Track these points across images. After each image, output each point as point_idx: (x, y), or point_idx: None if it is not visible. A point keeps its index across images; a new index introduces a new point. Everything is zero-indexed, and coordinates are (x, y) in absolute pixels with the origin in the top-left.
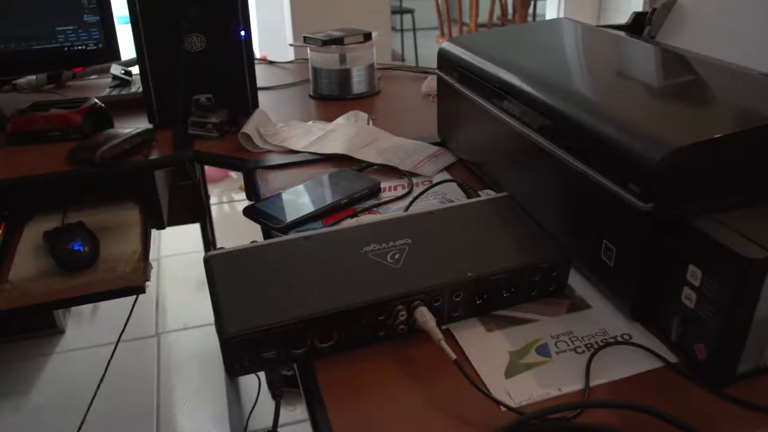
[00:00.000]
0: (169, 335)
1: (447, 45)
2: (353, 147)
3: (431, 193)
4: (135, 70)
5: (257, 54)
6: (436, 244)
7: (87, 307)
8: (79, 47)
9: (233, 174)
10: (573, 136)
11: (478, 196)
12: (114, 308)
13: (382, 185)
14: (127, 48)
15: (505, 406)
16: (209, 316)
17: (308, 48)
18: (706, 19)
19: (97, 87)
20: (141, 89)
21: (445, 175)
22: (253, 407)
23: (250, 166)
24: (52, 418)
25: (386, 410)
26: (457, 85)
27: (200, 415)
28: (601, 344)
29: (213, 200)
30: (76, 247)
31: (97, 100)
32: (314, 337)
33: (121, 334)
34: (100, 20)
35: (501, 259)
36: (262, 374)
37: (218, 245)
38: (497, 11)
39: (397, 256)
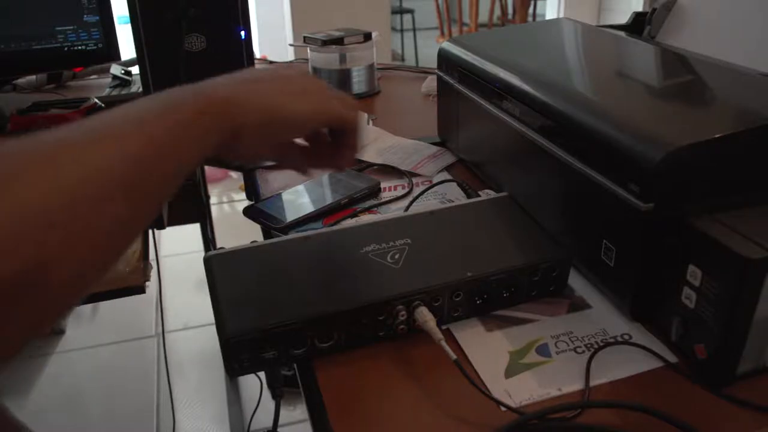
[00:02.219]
0: (169, 335)
1: (447, 45)
2: None
3: (431, 193)
4: (135, 70)
5: (257, 54)
6: (436, 244)
7: (87, 307)
8: (79, 47)
9: (233, 174)
10: (573, 136)
11: (478, 196)
12: (114, 308)
13: (382, 185)
14: (127, 48)
15: (505, 406)
16: (209, 316)
17: (308, 48)
18: (706, 19)
19: (97, 87)
20: (141, 89)
21: (445, 175)
22: (256, 408)
23: (250, 166)
24: (52, 418)
25: (386, 410)
26: (457, 85)
27: (200, 415)
28: (601, 344)
29: (213, 200)
30: None
31: (97, 100)
32: (314, 337)
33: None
34: (100, 20)
35: (501, 259)
36: (262, 374)
37: (218, 245)
38: (497, 11)
39: (397, 256)
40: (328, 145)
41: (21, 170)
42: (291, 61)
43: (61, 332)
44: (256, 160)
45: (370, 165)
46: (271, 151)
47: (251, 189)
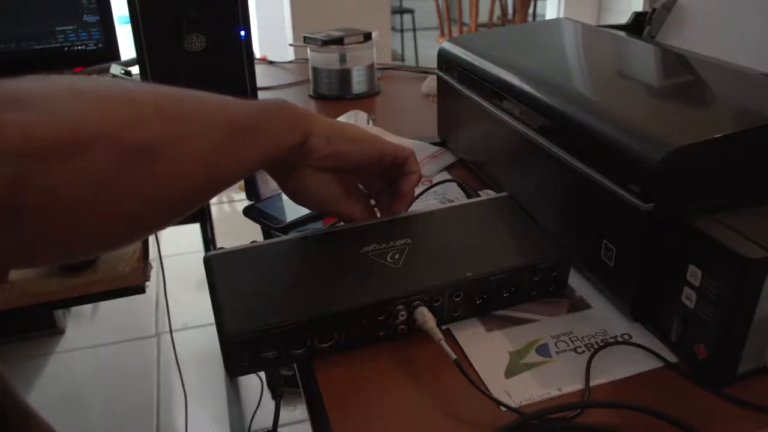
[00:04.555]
0: (169, 335)
1: (447, 45)
2: None
3: (431, 193)
4: (135, 70)
5: (257, 54)
6: (436, 244)
7: (87, 307)
8: (79, 47)
9: None
10: (573, 136)
11: (478, 196)
12: (114, 308)
13: None
14: (127, 48)
15: (505, 406)
16: (209, 316)
17: (308, 48)
18: (706, 19)
19: None
20: None
21: (445, 175)
22: (257, 408)
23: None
24: (52, 418)
25: (386, 410)
26: (457, 85)
27: (200, 415)
28: (601, 344)
29: (213, 200)
30: None
31: None
32: (314, 337)
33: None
34: (100, 20)
35: (501, 259)
36: (263, 374)
37: (218, 245)
38: (497, 11)
39: (397, 256)
40: (389, 187)
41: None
42: (291, 61)
43: (61, 332)
44: (322, 191)
45: None
46: (338, 182)
47: (251, 189)
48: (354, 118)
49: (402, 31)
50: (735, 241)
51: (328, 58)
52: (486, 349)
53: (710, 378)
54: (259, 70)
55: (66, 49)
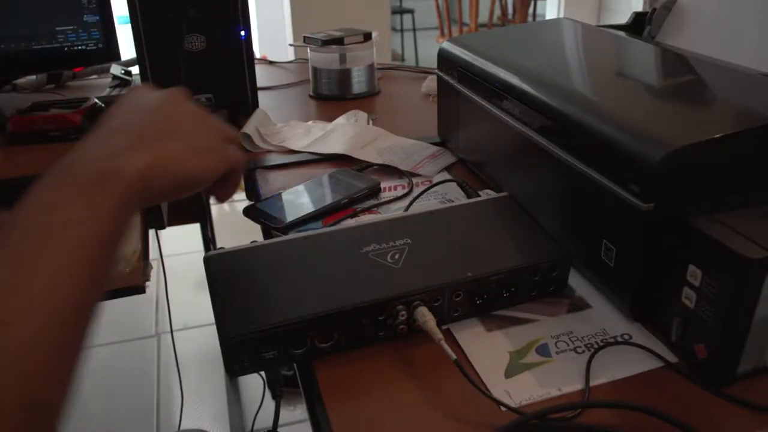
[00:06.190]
0: (169, 335)
1: (447, 45)
2: (353, 147)
3: (431, 193)
4: (135, 70)
5: (257, 54)
6: (436, 244)
7: None
8: (79, 47)
9: None
10: (573, 136)
11: (478, 196)
12: (114, 308)
13: (382, 185)
14: (127, 48)
15: (505, 406)
16: (209, 316)
17: (308, 48)
18: (706, 19)
19: (97, 87)
20: None
21: (445, 175)
22: (259, 408)
23: (250, 166)
24: None
25: (386, 410)
26: (457, 85)
27: (200, 415)
28: (601, 344)
29: (213, 200)
30: None
31: (97, 100)
32: (314, 337)
33: None
34: (100, 20)
35: (501, 259)
36: (263, 374)
37: (218, 245)
38: (497, 11)
39: (397, 256)
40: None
41: None
42: (291, 61)
43: None
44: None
45: (370, 165)
46: None
47: (251, 189)
48: (354, 118)
49: (402, 31)
50: (735, 241)
51: (328, 58)
52: (486, 349)
53: (710, 378)
54: (259, 70)
55: (66, 49)
